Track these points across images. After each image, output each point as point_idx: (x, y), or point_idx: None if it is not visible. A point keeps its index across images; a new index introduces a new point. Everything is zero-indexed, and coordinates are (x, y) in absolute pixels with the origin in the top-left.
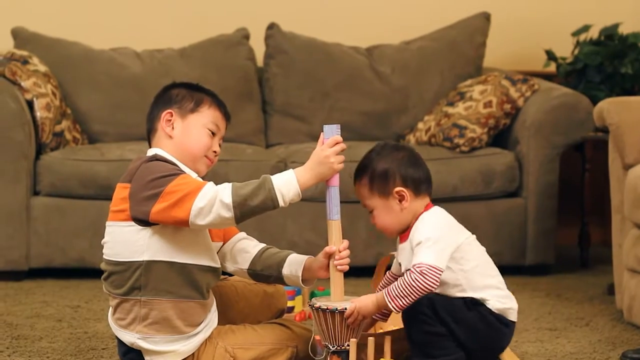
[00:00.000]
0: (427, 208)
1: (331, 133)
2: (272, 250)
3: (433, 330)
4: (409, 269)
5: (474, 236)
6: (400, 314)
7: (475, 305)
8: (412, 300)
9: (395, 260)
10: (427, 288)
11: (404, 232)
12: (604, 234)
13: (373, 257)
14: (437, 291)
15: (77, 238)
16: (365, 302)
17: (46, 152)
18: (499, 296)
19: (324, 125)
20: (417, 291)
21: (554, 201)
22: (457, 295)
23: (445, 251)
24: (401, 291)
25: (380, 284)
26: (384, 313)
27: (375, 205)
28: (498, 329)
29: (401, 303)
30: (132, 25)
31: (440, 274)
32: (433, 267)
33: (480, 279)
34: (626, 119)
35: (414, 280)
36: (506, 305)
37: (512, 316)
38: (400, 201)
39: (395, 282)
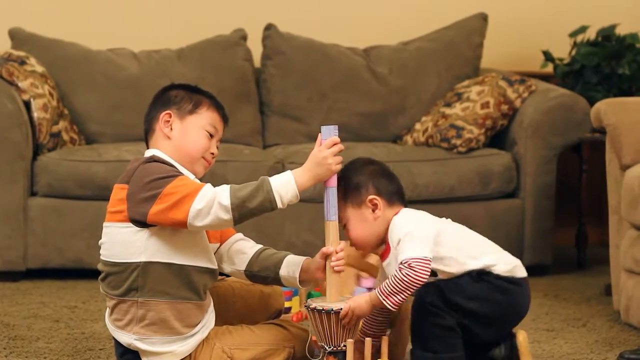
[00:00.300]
0: (396, 213)
1: (329, 134)
2: (269, 252)
3: (443, 324)
4: (400, 267)
5: (446, 218)
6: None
7: (481, 275)
8: (407, 296)
9: (380, 276)
10: (419, 280)
11: (382, 249)
12: (601, 234)
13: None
14: (443, 276)
15: (75, 239)
16: (359, 302)
17: (43, 152)
18: (499, 259)
19: (322, 127)
20: (410, 285)
21: (551, 202)
22: (462, 271)
23: (427, 240)
24: (394, 287)
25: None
26: (385, 315)
27: (349, 216)
28: (512, 291)
29: (396, 300)
30: (129, 26)
31: (429, 264)
32: (420, 259)
33: (473, 247)
34: (623, 120)
35: (405, 276)
36: (511, 265)
37: (521, 272)
38: (373, 210)
39: (387, 280)
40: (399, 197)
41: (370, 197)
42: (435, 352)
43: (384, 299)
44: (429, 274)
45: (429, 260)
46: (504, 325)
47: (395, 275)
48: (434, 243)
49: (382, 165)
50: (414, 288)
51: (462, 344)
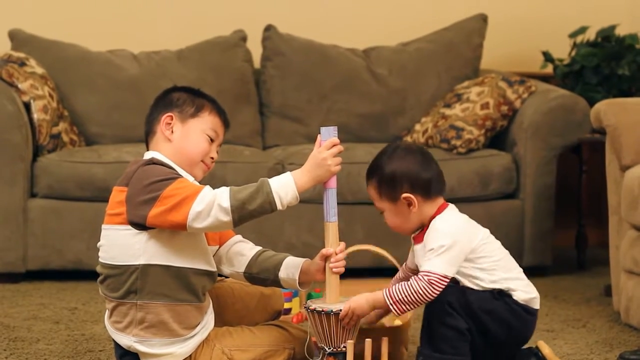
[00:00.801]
0: (440, 209)
1: (328, 135)
2: (268, 253)
3: (454, 325)
4: (417, 275)
5: (488, 232)
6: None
7: (502, 296)
8: (414, 307)
9: (410, 254)
10: (431, 297)
11: (419, 232)
12: (601, 235)
13: (369, 258)
14: (466, 284)
15: (74, 240)
16: (359, 302)
17: (43, 154)
18: (522, 286)
19: (321, 128)
20: (421, 300)
21: (551, 203)
22: (484, 287)
23: (457, 258)
24: (406, 297)
25: (393, 278)
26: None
27: (385, 207)
28: (525, 318)
29: (404, 308)
30: (129, 27)
31: (446, 282)
32: (441, 277)
33: (502, 272)
34: (623, 121)
35: (421, 289)
36: (531, 295)
37: (536, 304)
38: (408, 206)
39: (400, 286)
40: (438, 187)
41: (405, 195)
42: (443, 353)
43: (392, 304)
44: (440, 292)
45: (448, 279)
46: (505, 347)
47: (412, 285)
48: (469, 258)
49: (420, 153)
50: (423, 303)
51: (469, 350)
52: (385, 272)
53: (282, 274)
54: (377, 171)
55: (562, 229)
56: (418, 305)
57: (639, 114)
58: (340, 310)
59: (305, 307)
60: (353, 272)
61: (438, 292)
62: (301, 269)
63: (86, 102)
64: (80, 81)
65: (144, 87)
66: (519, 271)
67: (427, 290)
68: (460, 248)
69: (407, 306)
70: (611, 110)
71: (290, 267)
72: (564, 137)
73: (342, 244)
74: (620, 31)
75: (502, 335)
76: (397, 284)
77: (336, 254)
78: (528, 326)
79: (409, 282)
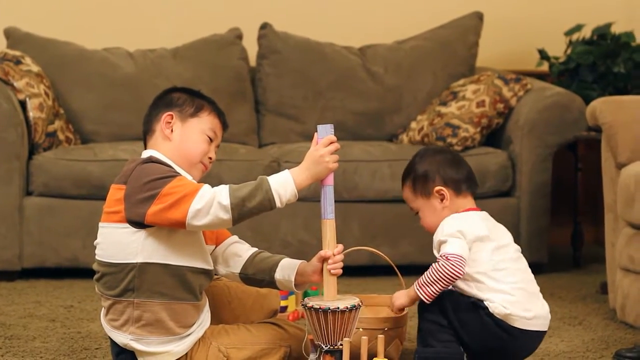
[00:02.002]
0: (467, 210)
1: (325, 133)
2: (264, 255)
3: (434, 319)
4: (439, 257)
5: (513, 248)
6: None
7: (477, 307)
8: (441, 288)
9: None
10: (453, 274)
11: None
12: (596, 233)
13: (365, 256)
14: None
15: (70, 238)
16: (400, 295)
17: (39, 152)
18: (505, 301)
19: (318, 125)
20: (444, 278)
21: (546, 200)
22: (469, 293)
23: (465, 245)
24: (429, 278)
25: None
26: None
27: (420, 206)
28: (495, 333)
29: (430, 291)
30: (124, 25)
31: (464, 263)
32: (456, 255)
33: (490, 282)
34: (619, 118)
35: (441, 267)
36: (508, 311)
37: (517, 323)
38: (441, 200)
39: (425, 273)
40: (468, 184)
41: (438, 188)
42: (432, 347)
43: (418, 289)
44: (463, 271)
45: (464, 259)
46: (485, 357)
47: (432, 267)
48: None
49: (450, 154)
50: (448, 281)
51: (457, 341)
52: (380, 270)
53: (278, 275)
54: (411, 172)
55: (558, 226)
56: (442, 285)
57: (635, 111)
58: (338, 308)
59: (302, 305)
60: (349, 270)
61: (458, 270)
62: (297, 270)
63: (82, 100)
64: (76, 79)
65: (140, 85)
66: (514, 287)
67: (447, 266)
68: (466, 237)
69: (432, 287)
70: (607, 108)
71: (286, 268)
72: (560, 135)
73: (340, 246)
74: (616, 29)
75: (474, 345)
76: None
77: (334, 256)
78: (500, 342)
79: (430, 268)
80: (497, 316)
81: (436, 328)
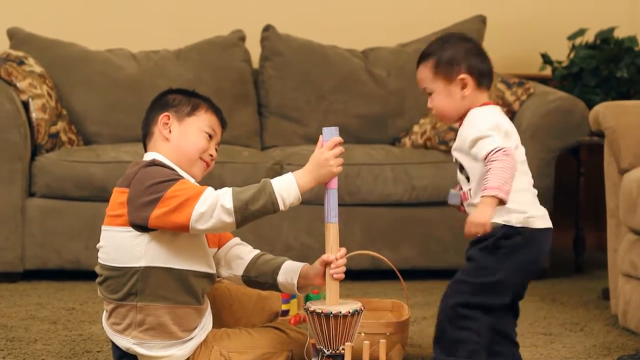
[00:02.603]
0: (484, 104)
1: (330, 136)
2: (267, 257)
3: (468, 326)
4: (487, 160)
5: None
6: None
7: (497, 247)
8: (511, 184)
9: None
10: (514, 168)
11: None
12: (599, 238)
13: (368, 261)
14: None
15: (72, 240)
16: (483, 211)
17: (41, 153)
18: (521, 203)
19: (323, 128)
20: (512, 172)
21: (549, 205)
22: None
23: (506, 139)
24: (502, 177)
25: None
26: None
27: (436, 88)
28: (524, 245)
29: (508, 188)
30: (128, 26)
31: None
32: (507, 148)
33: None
34: (622, 123)
35: (507, 162)
36: (527, 214)
37: (536, 223)
38: (462, 88)
39: (489, 177)
40: (488, 79)
41: (462, 75)
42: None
43: (499, 192)
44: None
45: (512, 151)
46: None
47: (497, 166)
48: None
49: (477, 43)
50: (513, 176)
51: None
52: (382, 274)
53: (281, 278)
54: (436, 52)
55: (560, 231)
56: (512, 182)
57: (638, 116)
58: (340, 312)
59: (305, 309)
60: (350, 274)
61: (514, 163)
62: (300, 273)
63: (85, 101)
64: (78, 80)
65: (143, 87)
66: (528, 189)
67: (509, 161)
68: (505, 133)
69: (508, 185)
70: (610, 113)
71: (289, 271)
72: (563, 140)
73: (343, 250)
74: (619, 33)
75: (519, 279)
76: (484, 180)
77: (337, 260)
78: (534, 257)
79: (491, 169)
80: (518, 225)
81: (469, 336)
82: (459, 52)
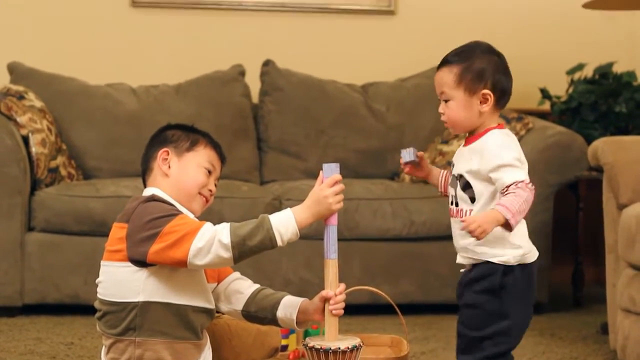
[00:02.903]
0: (499, 126)
1: (330, 172)
2: (266, 292)
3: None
4: (512, 186)
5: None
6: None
7: (501, 287)
8: (522, 218)
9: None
10: (530, 205)
11: (471, 135)
12: (597, 273)
13: (366, 295)
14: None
15: (72, 274)
16: (490, 220)
17: (41, 187)
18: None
19: (324, 164)
20: (528, 208)
21: (547, 240)
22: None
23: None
24: (520, 207)
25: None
26: None
27: (456, 97)
28: (527, 284)
29: (519, 219)
30: (127, 61)
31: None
32: (531, 184)
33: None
34: (620, 159)
35: (528, 196)
36: (521, 251)
37: (529, 257)
38: (482, 103)
39: (510, 199)
40: (506, 100)
41: (485, 91)
42: None
43: (511, 217)
44: None
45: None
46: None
47: (520, 195)
48: None
49: (504, 58)
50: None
51: None
52: (381, 309)
53: (280, 313)
54: (465, 60)
55: (559, 266)
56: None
57: (637, 152)
58: (339, 348)
59: (304, 345)
60: (349, 309)
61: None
62: (299, 308)
63: (84, 135)
64: (78, 115)
65: (143, 122)
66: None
67: (530, 197)
68: (525, 168)
69: (521, 216)
70: (608, 148)
71: (288, 306)
72: (561, 174)
73: (342, 286)
74: (618, 68)
75: (521, 311)
76: (505, 198)
77: (336, 296)
78: (530, 292)
79: (515, 194)
80: (515, 264)
81: None
82: (490, 65)
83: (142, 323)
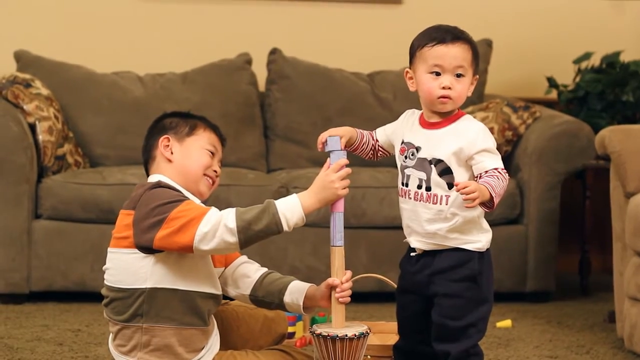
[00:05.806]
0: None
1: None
2: (274, 276)
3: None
4: (493, 170)
5: None
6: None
7: (480, 273)
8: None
9: (389, 127)
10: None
11: (443, 118)
12: (604, 261)
13: (373, 283)
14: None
15: (78, 261)
16: (484, 191)
17: (48, 175)
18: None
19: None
20: (503, 194)
21: (554, 228)
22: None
23: None
24: (500, 190)
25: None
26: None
27: (467, 75)
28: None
29: (496, 203)
30: (134, 49)
31: None
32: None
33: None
34: (628, 147)
35: (505, 184)
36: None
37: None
38: (472, 85)
39: (494, 180)
40: None
41: (477, 76)
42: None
43: (496, 197)
44: None
45: None
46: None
47: (502, 180)
48: None
49: None
50: None
51: None
52: (387, 297)
53: (287, 298)
54: (472, 42)
55: (566, 254)
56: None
57: None
58: (346, 335)
59: (310, 332)
60: (356, 297)
61: None
62: (306, 294)
63: (91, 123)
64: (85, 103)
65: (149, 110)
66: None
67: (506, 186)
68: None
69: (499, 199)
70: (616, 137)
71: (295, 292)
72: (568, 163)
73: (349, 273)
74: (625, 57)
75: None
76: (487, 180)
77: (342, 284)
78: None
79: (497, 177)
80: (486, 248)
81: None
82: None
83: (149, 309)
